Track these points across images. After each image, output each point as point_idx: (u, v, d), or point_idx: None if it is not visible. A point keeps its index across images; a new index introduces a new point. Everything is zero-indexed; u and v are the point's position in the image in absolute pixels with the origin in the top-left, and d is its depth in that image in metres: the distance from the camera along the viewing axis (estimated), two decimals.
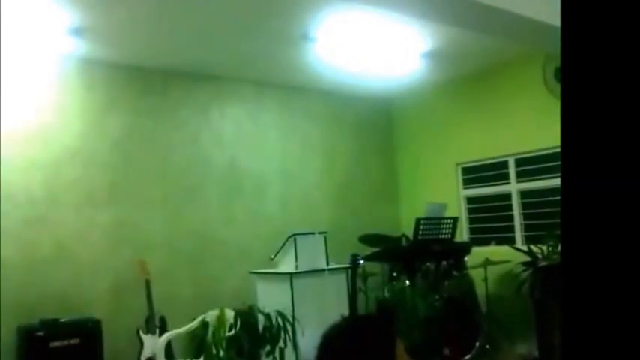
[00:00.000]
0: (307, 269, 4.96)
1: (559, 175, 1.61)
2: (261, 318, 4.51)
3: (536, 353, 5.40)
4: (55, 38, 4.74)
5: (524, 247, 5.81)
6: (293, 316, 4.53)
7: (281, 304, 4.59)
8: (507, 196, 6.37)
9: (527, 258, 5.64)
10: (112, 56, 5.29)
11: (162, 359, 4.64)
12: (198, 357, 4.19)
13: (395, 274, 5.62)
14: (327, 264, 5.12)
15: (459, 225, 6.16)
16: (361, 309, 5.26)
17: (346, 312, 4.92)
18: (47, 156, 5.05)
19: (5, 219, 4.76)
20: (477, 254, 5.80)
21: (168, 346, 4.81)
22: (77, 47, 4.98)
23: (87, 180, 5.24)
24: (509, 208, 6.34)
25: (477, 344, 5.16)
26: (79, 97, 5.29)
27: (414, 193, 7.20)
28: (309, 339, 4.33)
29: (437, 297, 5.14)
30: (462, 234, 6.65)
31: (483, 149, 6.47)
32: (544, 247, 5.52)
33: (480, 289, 5.59)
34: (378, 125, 7.40)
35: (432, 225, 5.73)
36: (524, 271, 5.58)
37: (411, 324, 4.66)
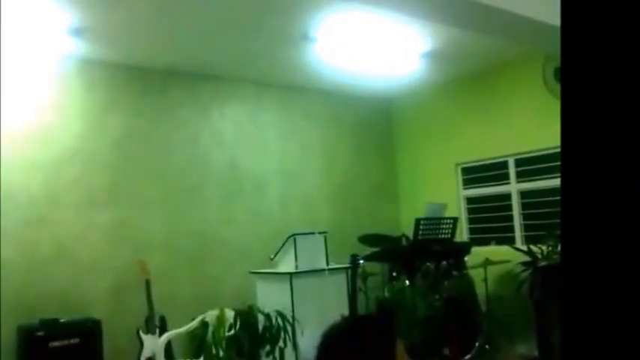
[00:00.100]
0: (307, 269, 4.96)
1: (559, 175, 1.61)
2: (261, 318, 4.51)
3: (535, 353, 5.40)
4: (55, 38, 4.74)
5: (524, 247, 5.81)
6: (293, 316, 4.53)
7: (281, 304, 4.59)
8: (507, 196, 6.37)
9: (527, 258, 5.64)
10: (112, 56, 5.29)
11: (162, 359, 4.64)
12: (198, 357, 4.19)
13: (395, 274, 5.62)
14: (327, 264, 5.12)
15: (458, 225, 6.16)
16: (361, 309, 5.26)
17: (346, 312, 4.92)
18: (47, 156, 5.06)
19: (5, 219, 4.76)
20: (477, 254, 5.80)
21: (168, 346, 4.81)
22: (77, 47, 4.98)
23: (87, 180, 5.24)
24: (509, 208, 6.34)
25: (477, 344, 5.16)
26: (79, 97, 5.29)
27: (413, 193, 7.20)
28: (308, 339, 4.33)
29: (437, 297, 5.14)
30: (462, 234, 6.65)
31: (483, 149, 6.47)
32: (544, 247, 5.52)
33: (480, 289, 5.59)
34: (378, 125, 7.40)
35: (432, 225, 5.73)
36: (524, 271, 5.58)
37: (410, 324, 4.66)
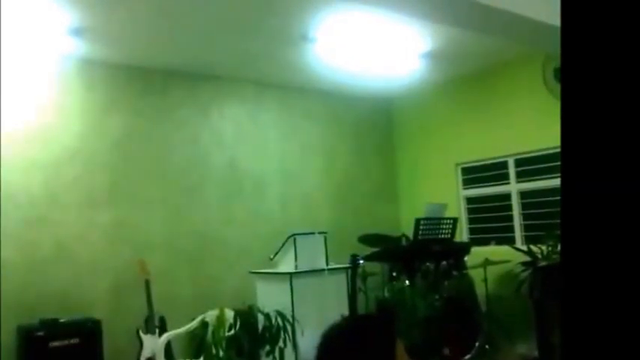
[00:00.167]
0: (307, 269, 4.96)
1: (559, 175, 1.61)
2: (260, 318, 4.51)
3: (535, 353, 5.40)
4: (55, 38, 4.74)
5: (524, 247, 5.81)
6: (293, 316, 4.53)
7: (281, 304, 4.59)
8: (507, 196, 6.37)
9: (526, 258, 5.64)
10: (112, 56, 5.29)
11: (162, 359, 4.64)
12: (198, 357, 4.19)
13: (395, 274, 5.62)
14: (327, 264, 5.12)
15: (458, 225, 6.16)
16: (361, 309, 5.27)
17: (346, 312, 4.92)
18: (47, 156, 5.05)
19: (5, 219, 4.76)
20: (477, 254, 5.80)
21: (168, 346, 4.81)
22: (77, 47, 4.98)
23: (87, 180, 5.24)
24: (509, 208, 6.34)
25: (477, 344, 5.16)
26: (79, 97, 5.29)
27: (413, 193, 7.20)
28: (308, 339, 4.33)
29: (437, 297, 5.14)
30: (462, 234, 6.65)
31: (483, 149, 6.47)
32: (544, 247, 5.52)
33: (480, 289, 5.59)
34: (377, 125, 7.40)
35: (432, 225, 5.73)
36: (523, 271, 5.58)
37: (410, 324, 4.66)
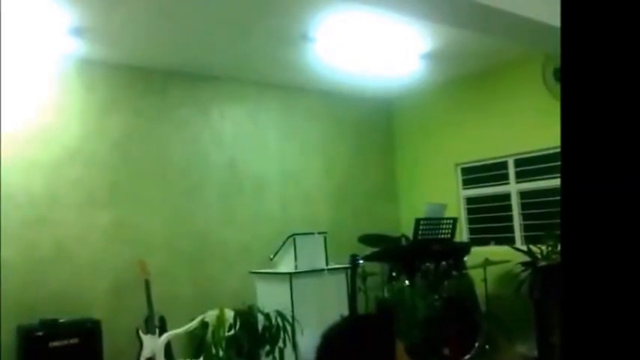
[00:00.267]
0: (307, 269, 4.96)
1: (559, 175, 1.61)
2: (260, 318, 4.51)
3: (535, 353, 5.40)
4: (55, 38, 4.74)
5: (524, 247, 5.81)
6: (292, 316, 4.54)
7: (281, 304, 4.59)
8: (507, 197, 6.37)
9: (526, 258, 5.64)
10: (112, 56, 5.29)
11: (162, 359, 4.64)
12: (198, 357, 4.19)
13: (394, 274, 5.62)
14: (327, 264, 5.13)
15: (458, 225, 6.16)
16: (361, 309, 5.27)
17: (346, 312, 4.92)
18: (47, 156, 5.06)
19: (5, 219, 4.76)
20: (477, 254, 5.80)
21: (168, 347, 4.81)
22: (77, 47, 4.99)
23: (87, 180, 5.24)
24: (509, 208, 6.34)
25: (477, 344, 5.16)
26: (79, 98, 5.29)
27: (413, 194, 7.20)
28: (308, 339, 4.33)
29: (436, 297, 5.14)
30: (462, 234, 6.65)
31: (483, 149, 6.47)
32: (543, 248, 5.53)
33: (480, 289, 5.59)
34: (377, 125, 7.40)
35: (432, 225, 5.73)
36: (523, 271, 5.58)
37: (410, 324, 4.66)
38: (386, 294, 5.54)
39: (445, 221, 5.85)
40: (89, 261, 5.16)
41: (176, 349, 4.97)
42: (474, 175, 6.73)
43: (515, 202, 6.28)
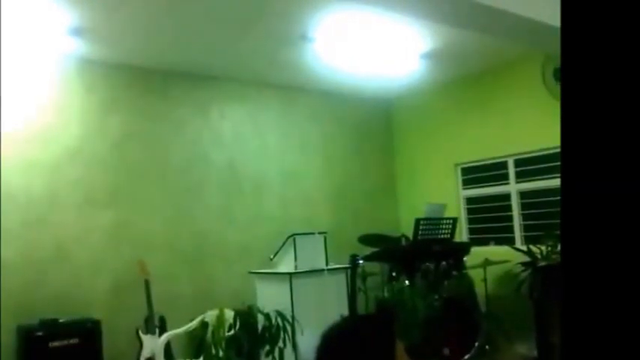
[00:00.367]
0: (307, 269, 4.96)
1: (559, 175, 1.61)
2: (260, 318, 4.51)
3: (535, 353, 5.40)
4: (55, 38, 4.74)
5: (524, 248, 5.81)
6: (292, 316, 4.53)
7: (280, 304, 4.59)
8: (507, 197, 6.37)
9: (526, 258, 5.64)
10: (112, 56, 5.29)
11: (162, 359, 4.64)
12: (198, 357, 4.19)
13: (394, 274, 5.61)
14: (327, 264, 5.13)
15: (458, 225, 6.16)
16: (360, 309, 5.27)
17: (345, 312, 4.92)
18: (47, 156, 5.05)
19: (5, 219, 4.76)
20: (477, 254, 5.80)
21: (168, 347, 4.81)
22: (77, 47, 4.99)
23: (87, 180, 5.24)
24: (509, 208, 6.34)
25: (477, 344, 5.16)
26: (79, 98, 5.29)
27: (413, 194, 7.20)
28: (308, 339, 4.33)
29: (436, 297, 5.14)
30: (462, 234, 6.65)
31: (483, 149, 6.47)
32: (543, 248, 5.53)
33: (480, 289, 5.59)
34: (377, 125, 7.40)
35: (432, 225, 5.73)
36: (523, 271, 5.58)
37: (410, 324, 4.65)
38: (386, 294, 5.54)
39: (445, 221, 5.85)
40: (89, 261, 5.16)
41: (176, 349, 4.97)
42: (473, 175, 6.73)
43: (515, 202, 6.28)
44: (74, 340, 4.65)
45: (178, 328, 4.62)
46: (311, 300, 4.88)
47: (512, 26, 3.97)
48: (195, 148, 5.92)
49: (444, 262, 5.50)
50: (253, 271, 5.36)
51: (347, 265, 5.08)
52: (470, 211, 6.79)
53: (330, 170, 6.89)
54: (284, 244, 5.06)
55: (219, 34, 4.93)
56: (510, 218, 6.33)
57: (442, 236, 5.78)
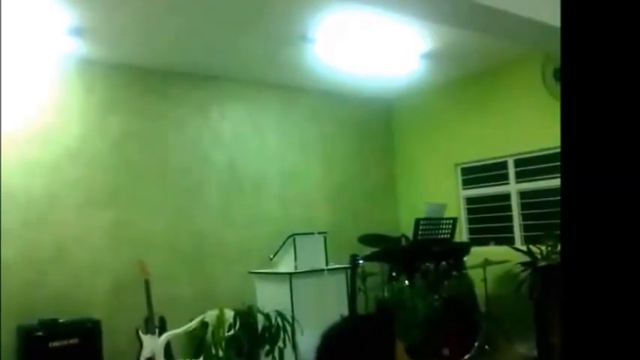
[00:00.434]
0: (307, 269, 4.96)
1: (558, 175, 1.61)
2: (260, 318, 4.51)
3: (535, 353, 5.40)
4: (55, 38, 4.74)
5: (524, 248, 5.81)
6: (292, 316, 4.53)
7: (280, 304, 4.59)
8: (506, 197, 6.37)
9: (526, 258, 5.64)
10: (112, 56, 5.29)
11: (162, 359, 4.64)
12: (198, 357, 4.19)
13: (394, 274, 5.61)
14: (327, 264, 5.13)
15: (458, 225, 6.16)
16: (360, 309, 5.27)
17: (345, 312, 4.92)
18: (47, 156, 5.05)
19: (5, 219, 4.76)
20: (476, 254, 5.80)
21: (168, 347, 4.81)
22: (77, 47, 4.99)
23: (87, 180, 5.24)
24: (509, 208, 6.34)
25: (476, 344, 5.16)
26: (79, 98, 5.29)
27: (413, 194, 7.20)
28: (308, 339, 4.33)
29: (436, 297, 5.14)
30: (462, 234, 6.65)
31: (483, 149, 6.47)
32: (543, 248, 5.53)
33: (479, 290, 5.59)
34: (377, 125, 7.40)
35: (432, 225, 5.73)
36: (523, 271, 5.58)
37: (410, 324, 4.66)
38: (386, 294, 5.54)
39: (445, 221, 5.86)
40: (89, 261, 5.16)
41: (176, 349, 4.97)
42: (473, 175, 6.73)
43: (514, 202, 6.28)
44: (74, 340, 4.65)
45: (178, 328, 4.63)
46: (311, 300, 4.88)
47: (512, 26, 3.97)
48: (195, 148, 5.92)
49: (443, 262, 5.50)
50: (253, 271, 5.36)
51: (347, 265, 5.08)
52: (470, 211, 6.79)
53: (330, 170, 6.89)
54: (284, 244, 5.06)
55: (219, 34, 4.93)
56: (510, 218, 6.33)
57: (442, 236, 5.78)
